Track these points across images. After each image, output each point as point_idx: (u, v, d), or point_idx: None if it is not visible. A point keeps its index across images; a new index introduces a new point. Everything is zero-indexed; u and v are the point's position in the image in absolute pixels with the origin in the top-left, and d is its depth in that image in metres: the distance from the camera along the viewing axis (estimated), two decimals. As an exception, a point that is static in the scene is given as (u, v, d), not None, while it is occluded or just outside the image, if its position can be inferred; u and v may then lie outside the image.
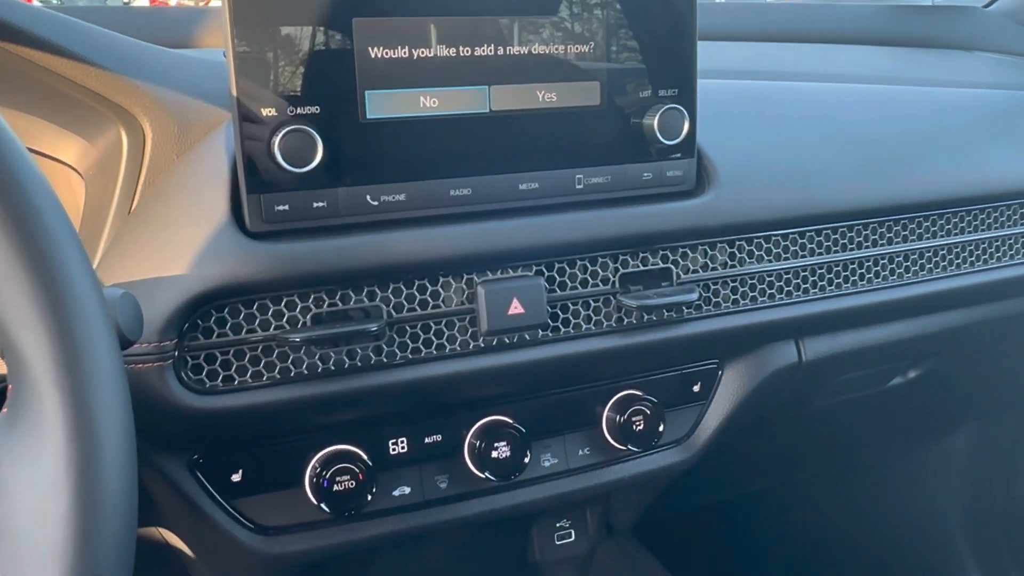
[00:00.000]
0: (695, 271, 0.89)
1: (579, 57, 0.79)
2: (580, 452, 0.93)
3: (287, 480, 0.81)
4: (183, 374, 0.71)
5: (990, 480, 1.64)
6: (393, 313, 0.77)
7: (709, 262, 0.89)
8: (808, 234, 0.93)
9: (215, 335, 0.71)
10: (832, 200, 0.93)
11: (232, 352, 0.72)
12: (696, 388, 0.98)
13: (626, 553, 1.18)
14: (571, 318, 0.84)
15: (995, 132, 1.11)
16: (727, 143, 0.91)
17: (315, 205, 0.73)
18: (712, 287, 0.89)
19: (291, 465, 0.81)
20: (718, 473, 1.33)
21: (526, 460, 0.86)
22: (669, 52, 0.82)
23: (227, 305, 0.71)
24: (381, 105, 0.73)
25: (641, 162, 0.83)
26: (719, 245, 0.89)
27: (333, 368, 0.75)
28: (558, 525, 1.18)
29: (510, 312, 0.79)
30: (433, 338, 0.78)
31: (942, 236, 1.03)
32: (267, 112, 0.70)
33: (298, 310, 0.74)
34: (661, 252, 0.87)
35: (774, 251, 0.92)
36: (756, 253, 0.91)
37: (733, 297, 0.91)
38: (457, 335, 0.79)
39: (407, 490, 0.86)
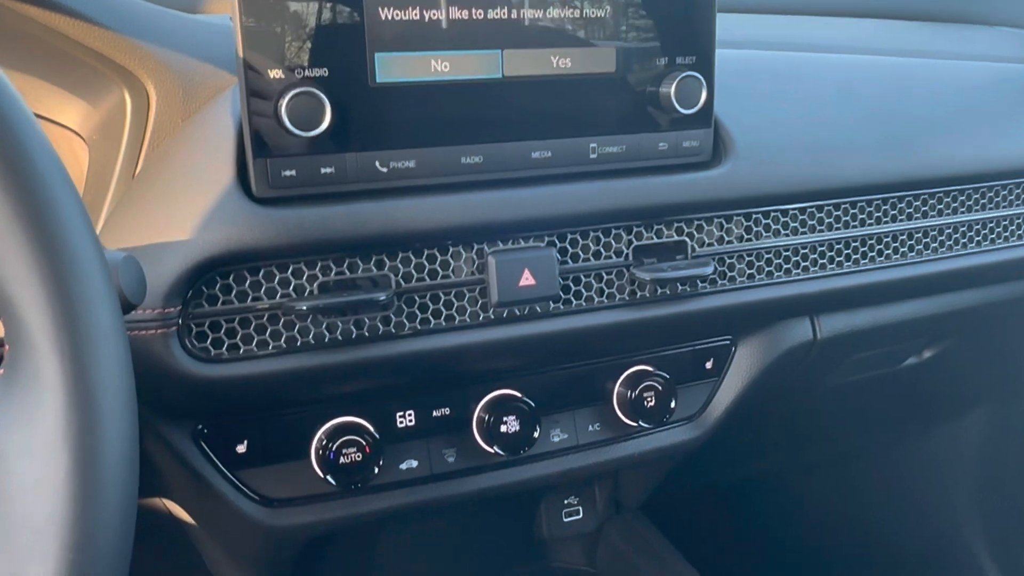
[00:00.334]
0: (710, 244, 0.87)
1: (595, 22, 0.77)
2: (590, 428, 0.92)
3: (293, 452, 0.80)
4: (187, 342, 0.69)
5: (1001, 464, 1.62)
6: (402, 283, 0.75)
7: (725, 235, 0.87)
8: (826, 208, 0.91)
9: (220, 302, 0.70)
10: (851, 174, 0.91)
11: (237, 320, 0.71)
12: (709, 364, 0.97)
13: (634, 530, 1.17)
14: (583, 291, 0.82)
15: (1018, 107, 1.09)
16: (745, 114, 0.88)
17: (323, 171, 0.71)
18: (727, 261, 0.88)
19: (297, 437, 0.80)
20: (729, 452, 1.31)
21: (535, 435, 0.85)
22: (687, 18, 0.80)
23: (232, 272, 0.70)
24: (391, 68, 0.71)
25: (657, 131, 0.81)
26: (735, 218, 0.87)
27: (340, 338, 0.73)
28: (566, 502, 1.17)
29: (521, 283, 0.77)
30: (442, 309, 0.77)
31: (963, 212, 1.00)
32: (274, 74, 0.68)
33: (305, 278, 0.72)
34: (676, 224, 0.85)
35: (791, 225, 0.90)
36: (773, 227, 0.89)
37: (748, 272, 0.89)
38: (467, 306, 0.78)
39: (414, 464, 0.85)
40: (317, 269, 0.72)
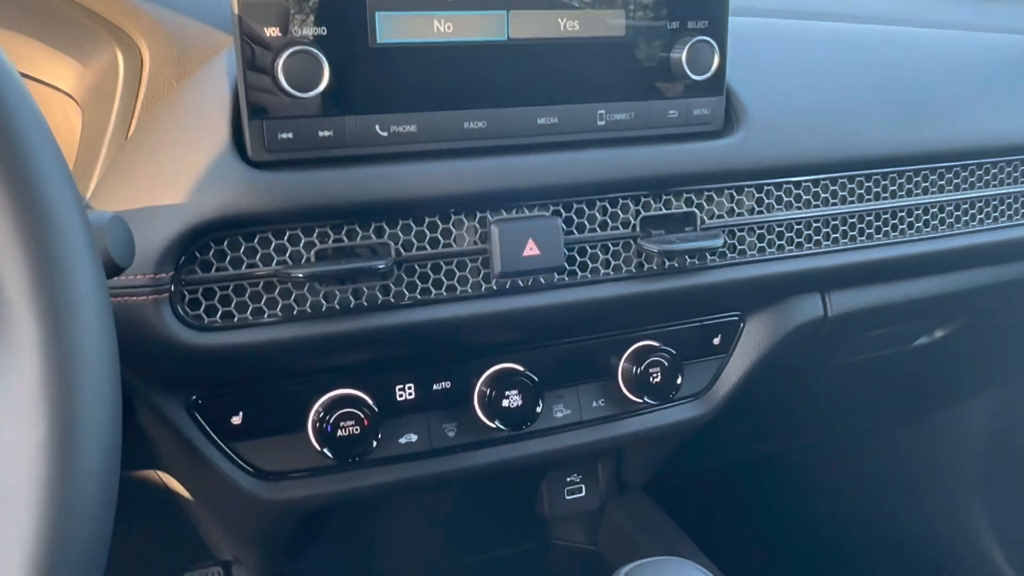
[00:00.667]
0: (720, 216, 0.84)
1: (604, -17, 0.74)
2: (594, 404, 0.90)
3: (289, 424, 0.78)
4: (180, 309, 0.67)
5: (1008, 448, 1.60)
6: (402, 251, 0.73)
7: (735, 207, 0.85)
8: (840, 181, 0.89)
9: (214, 269, 0.68)
10: (867, 145, 0.88)
11: (232, 287, 0.69)
12: (716, 341, 0.94)
13: (638, 509, 1.15)
14: (589, 262, 0.80)
15: (1040, 81, 1.06)
16: (758, 82, 0.86)
17: (320, 134, 0.68)
18: (737, 234, 0.85)
19: (293, 409, 0.78)
20: (735, 431, 1.30)
21: (538, 410, 0.83)
22: (700, -20, 0.77)
23: (227, 237, 0.68)
24: (392, 28, 0.68)
25: (667, 99, 0.79)
26: (746, 190, 0.85)
27: (338, 307, 0.71)
28: (569, 480, 1.15)
29: (525, 253, 0.75)
30: (443, 279, 0.75)
31: (980, 187, 0.98)
32: (271, 32, 0.65)
33: (302, 245, 0.70)
34: (685, 195, 0.82)
35: (804, 197, 0.87)
36: (785, 199, 0.86)
37: (759, 245, 0.86)
38: (469, 276, 0.75)
39: (414, 438, 0.83)
40: (314, 236, 0.70)
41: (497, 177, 0.73)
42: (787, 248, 0.87)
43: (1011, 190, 1.00)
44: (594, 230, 0.79)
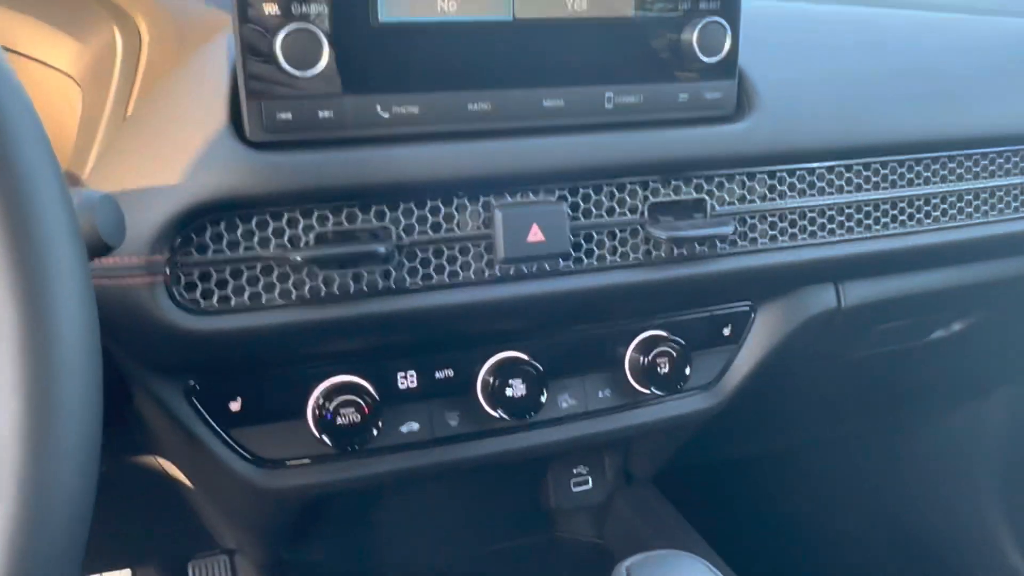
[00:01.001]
0: (731, 203, 0.82)
1: (613, -38, 0.72)
2: (600, 394, 0.88)
3: (288, 411, 0.77)
4: (176, 292, 0.66)
5: (1025, 445, 1.57)
6: (403, 236, 0.71)
7: (747, 194, 0.83)
8: (855, 168, 0.86)
9: (210, 251, 0.66)
10: (884, 132, 0.86)
11: (229, 271, 0.67)
12: (726, 331, 0.92)
13: (645, 503, 1.14)
14: (595, 248, 0.78)
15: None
16: (771, 66, 0.84)
17: (320, 115, 0.67)
18: (748, 221, 0.83)
19: (293, 395, 0.76)
20: (744, 425, 1.27)
21: (542, 400, 0.81)
22: (712, -41, 0.75)
23: (224, 219, 0.66)
24: (394, 6, 0.67)
25: (677, 81, 0.77)
26: (758, 176, 0.83)
27: (337, 292, 0.70)
28: (575, 472, 1.14)
29: (529, 239, 0.73)
30: (445, 264, 0.73)
31: (1000, 176, 0.95)
32: (270, 9, 0.64)
33: (300, 228, 0.68)
34: (695, 181, 0.80)
35: (817, 184, 0.85)
36: (798, 186, 0.84)
37: (771, 233, 0.84)
38: (471, 262, 0.74)
39: (415, 426, 0.81)
40: (314, 219, 0.68)
41: (501, 160, 0.72)
42: (800, 236, 0.85)
43: (1032, 179, 0.97)
44: (601, 216, 0.77)
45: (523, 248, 0.73)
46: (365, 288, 0.70)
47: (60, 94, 0.82)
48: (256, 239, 0.67)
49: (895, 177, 0.89)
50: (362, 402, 0.75)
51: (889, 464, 1.70)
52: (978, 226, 0.94)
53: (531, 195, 0.75)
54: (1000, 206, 0.96)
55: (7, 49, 0.82)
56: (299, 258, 0.67)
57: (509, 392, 0.80)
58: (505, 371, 0.80)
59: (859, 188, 0.87)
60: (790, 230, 0.85)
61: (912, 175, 0.90)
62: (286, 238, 0.68)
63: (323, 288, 0.69)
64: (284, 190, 0.66)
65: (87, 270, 0.42)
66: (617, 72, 0.74)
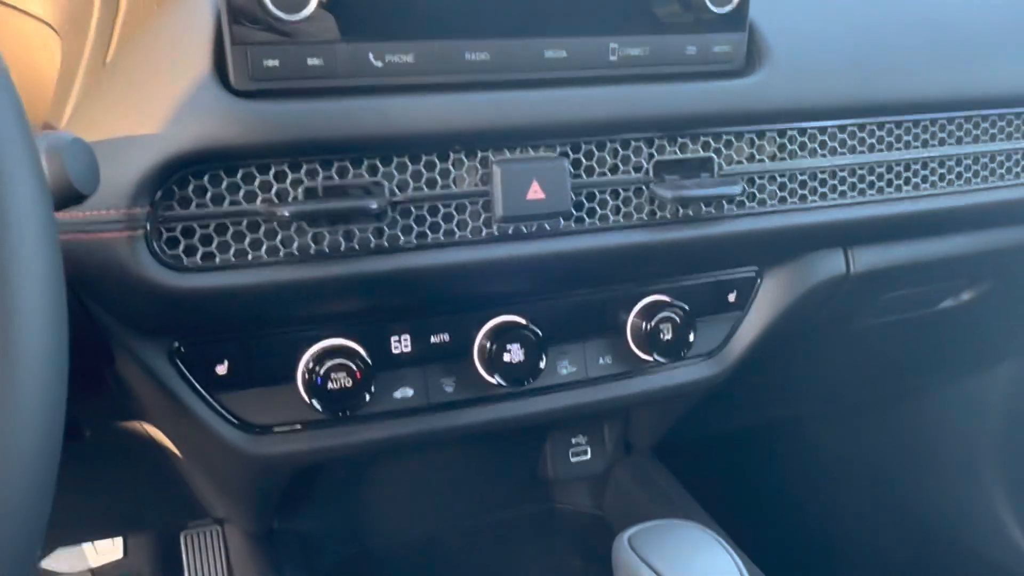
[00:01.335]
0: (739, 162, 0.79)
1: (619, -95, 0.68)
2: (601, 360, 0.85)
3: (277, 375, 0.74)
4: (157, 247, 0.63)
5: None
6: (397, 191, 0.68)
7: (756, 153, 0.79)
8: (869, 127, 0.83)
9: (193, 205, 0.63)
10: (900, 89, 0.82)
11: (213, 226, 0.64)
12: (732, 297, 0.89)
13: (645, 474, 1.11)
14: (597, 208, 0.75)
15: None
16: (783, 18, 0.80)
17: (309, 62, 0.63)
18: (757, 181, 0.80)
19: (282, 358, 0.73)
20: (748, 395, 1.25)
21: (541, 366, 0.78)
22: (723, -97, 0.71)
23: (207, 171, 0.63)
24: (388, -54, 0.63)
25: (685, 33, 0.73)
26: (768, 134, 0.79)
27: (327, 250, 0.66)
28: (574, 441, 1.11)
29: (529, 196, 0.70)
30: (441, 222, 0.70)
31: (1018, 138, 0.91)
32: (255, -52, 0.60)
33: (288, 182, 0.65)
34: (702, 139, 0.77)
35: (829, 144, 0.82)
36: (809, 145, 0.81)
37: (780, 194, 0.81)
38: (468, 220, 0.71)
39: (409, 392, 0.78)
40: (302, 172, 0.65)
41: (500, 113, 0.68)
42: (810, 198, 0.82)
43: (1053, 142, 0.94)
44: (604, 174, 0.74)
45: (522, 206, 0.70)
46: (356, 246, 0.67)
47: (40, 43, 0.79)
48: (242, 193, 0.64)
49: (909, 138, 0.85)
50: (354, 366, 0.72)
51: (890, 436, 1.68)
52: (994, 190, 0.91)
53: (531, 151, 0.71)
54: (1017, 169, 0.92)
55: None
56: (287, 213, 0.63)
57: (507, 358, 0.77)
58: (503, 336, 0.77)
59: (872, 149, 0.84)
60: (800, 191, 0.82)
61: (927, 136, 0.86)
62: (273, 192, 0.65)
63: (312, 245, 0.66)
64: (271, 141, 0.62)
65: (51, 211, 0.39)
66: (622, 22, 0.71)
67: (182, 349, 0.71)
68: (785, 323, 0.92)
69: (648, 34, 0.72)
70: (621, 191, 0.75)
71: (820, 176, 0.82)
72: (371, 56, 0.65)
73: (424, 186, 0.69)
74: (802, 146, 0.81)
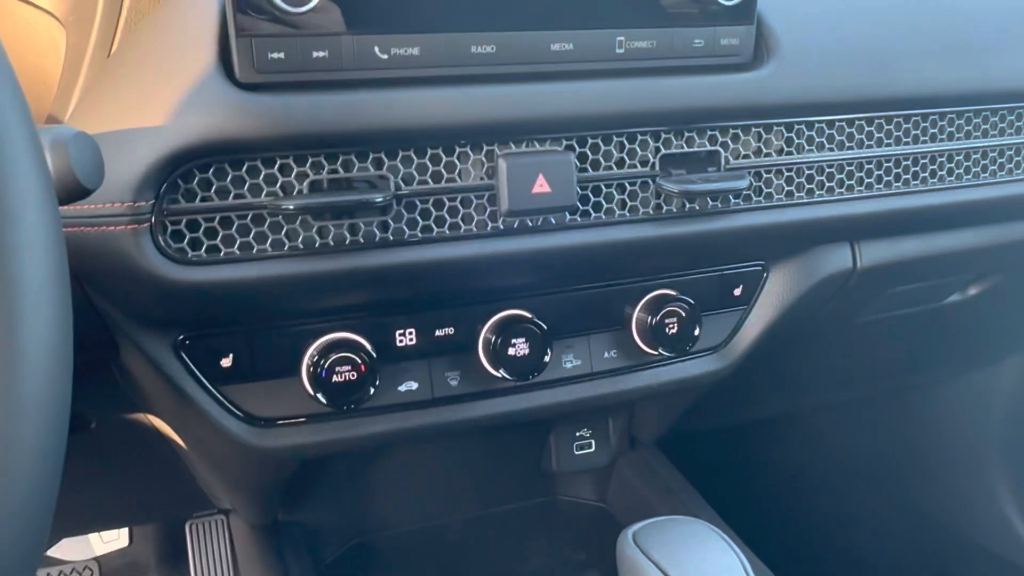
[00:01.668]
0: (746, 156, 0.78)
1: None
2: (606, 354, 0.85)
3: (282, 368, 0.74)
4: (162, 240, 0.62)
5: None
6: (402, 185, 0.68)
7: (763, 147, 0.79)
8: (877, 121, 0.82)
9: (198, 199, 0.63)
10: (907, 84, 0.82)
11: (218, 219, 0.64)
12: (737, 292, 0.89)
13: (649, 466, 1.11)
14: (603, 202, 0.74)
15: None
16: (791, 11, 0.79)
17: (315, 55, 0.63)
18: (764, 176, 0.79)
19: (287, 352, 0.73)
20: (752, 388, 1.25)
21: (546, 360, 0.78)
22: None
23: (212, 165, 0.63)
24: (394, -62, 0.62)
25: (692, 26, 0.73)
26: (775, 128, 0.79)
27: (332, 243, 0.66)
28: (578, 435, 1.11)
29: (535, 190, 0.70)
30: (446, 216, 0.69)
31: (1027, 132, 0.91)
32: (260, -60, 0.60)
33: (294, 175, 0.65)
34: (709, 133, 0.77)
35: (837, 138, 0.81)
36: (816, 140, 0.80)
37: (787, 188, 0.80)
38: (474, 214, 0.70)
39: (414, 386, 0.78)
40: (307, 166, 0.65)
41: (506, 106, 0.68)
42: (817, 192, 0.82)
43: (1061, 137, 0.93)
44: (610, 167, 0.74)
45: (528, 200, 0.70)
46: (361, 240, 0.67)
47: (45, 36, 0.79)
48: (247, 186, 0.64)
49: (917, 132, 0.85)
50: (359, 360, 0.72)
51: (895, 430, 1.68)
52: (1002, 184, 0.90)
53: (537, 144, 0.71)
54: (1025, 164, 0.92)
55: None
56: (292, 207, 0.63)
57: (512, 351, 0.77)
58: (508, 330, 0.77)
59: (880, 143, 0.83)
60: (807, 185, 0.81)
61: (935, 130, 0.86)
62: (278, 186, 0.65)
63: (317, 239, 0.66)
64: (276, 135, 0.62)
65: (55, 208, 0.39)
66: (629, 15, 0.70)
67: (187, 342, 0.71)
68: (791, 317, 0.92)
69: (655, 27, 0.71)
70: (627, 185, 0.75)
71: (827, 170, 0.82)
72: (376, 49, 0.64)
73: (429, 180, 0.68)
74: (809, 140, 0.80)
